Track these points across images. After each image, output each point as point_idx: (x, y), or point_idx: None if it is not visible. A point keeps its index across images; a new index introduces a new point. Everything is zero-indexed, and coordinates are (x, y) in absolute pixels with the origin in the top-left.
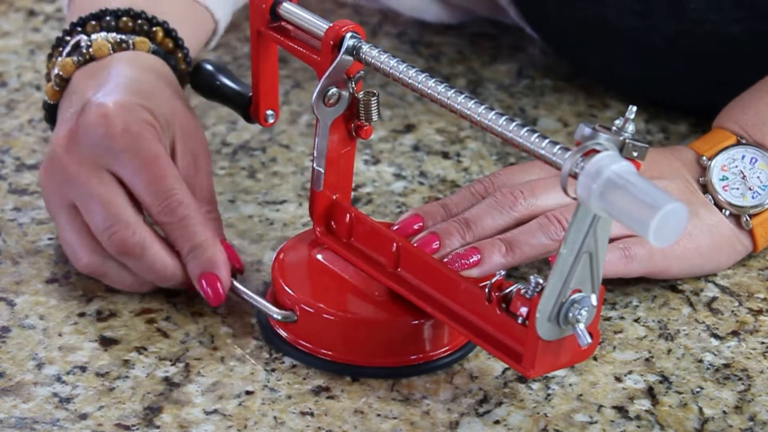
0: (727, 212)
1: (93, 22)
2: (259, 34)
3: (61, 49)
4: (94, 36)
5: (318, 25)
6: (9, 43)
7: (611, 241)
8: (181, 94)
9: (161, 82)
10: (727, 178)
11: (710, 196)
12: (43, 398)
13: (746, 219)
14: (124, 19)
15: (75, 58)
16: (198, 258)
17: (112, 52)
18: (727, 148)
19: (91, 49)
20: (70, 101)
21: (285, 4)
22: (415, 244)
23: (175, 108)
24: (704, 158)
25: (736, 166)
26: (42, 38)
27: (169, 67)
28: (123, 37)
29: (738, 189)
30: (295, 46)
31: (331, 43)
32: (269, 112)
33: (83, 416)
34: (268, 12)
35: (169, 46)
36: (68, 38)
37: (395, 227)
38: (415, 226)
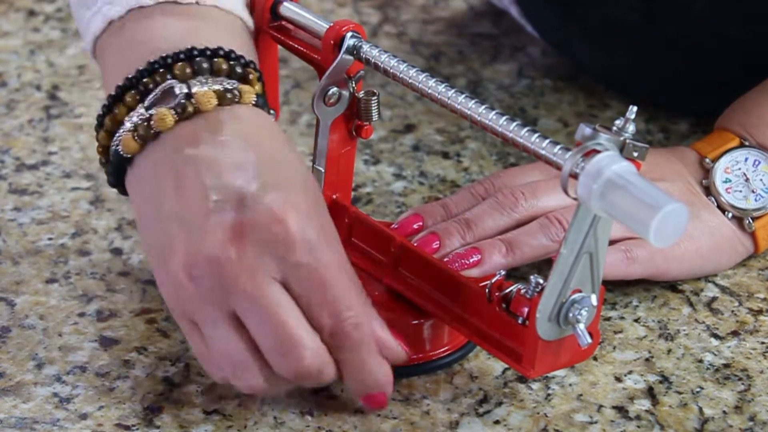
0: (730, 215)
1: (180, 63)
2: (259, 34)
3: (136, 93)
4: (194, 85)
5: (318, 24)
6: (9, 43)
7: (612, 242)
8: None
9: (293, 153)
10: (730, 181)
11: (713, 199)
12: (43, 398)
13: (749, 222)
14: (217, 60)
15: (173, 111)
16: (365, 385)
17: (217, 102)
18: (730, 150)
19: (193, 100)
20: (178, 170)
21: (285, 4)
22: (415, 244)
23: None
24: (707, 160)
25: (739, 169)
26: (42, 38)
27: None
28: (227, 86)
29: (741, 191)
30: (296, 46)
31: (332, 42)
32: (270, 111)
33: (83, 416)
34: (269, 11)
35: (259, 90)
36: (146, 80)
37: (395, 227)
38: (415, 226)
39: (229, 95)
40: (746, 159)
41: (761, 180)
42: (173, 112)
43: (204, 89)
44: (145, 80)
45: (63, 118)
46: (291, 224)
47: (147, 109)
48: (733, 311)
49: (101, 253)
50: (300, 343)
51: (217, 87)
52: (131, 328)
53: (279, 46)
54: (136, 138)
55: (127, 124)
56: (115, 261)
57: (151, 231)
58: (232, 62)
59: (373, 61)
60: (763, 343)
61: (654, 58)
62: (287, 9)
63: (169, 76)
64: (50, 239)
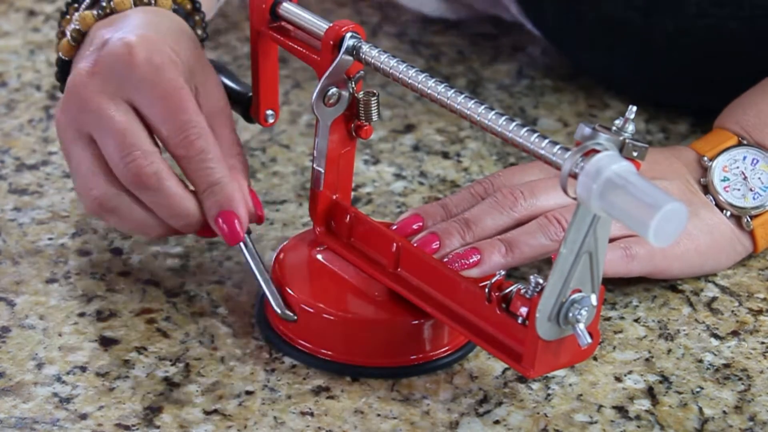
0: (728, 213)
1: None
2: (259, 34)
3: (76, 5)
4: None
5: (318, 25)
6: (9, 43)
7: (612, 241)
8: (202, 50)
9: (184, 34)
10: (728, 179)
11: (711, 197)
12: (43, 398)
13: (747, 220)
14: None
15: (95, 12)
16: (216, 195)
17: (133, 6)
18: (728, 148)
19: (112, 3)
20: (88, 49)
21: (285, 4)
22: (415, 244)
23: (199, 59)
24: (705, 159)
25: (738, 167)
26: (42, 38)
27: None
28: None
29: (739, 190)
30: (295, 46)
31: (331, 43)
32: (269, 112)
33: (83, 416)
34: (268, 12)
35: (187, 8)
36: None
37: (395, 227)
38: (415, 226)
39: (146, 1)
40: (744, 157)
41: (759, 178)
42: (94, 13)
43: None
44: None
45: None
46: (137, 50)
47: (79, 14)
48: (733, 311)
49: (101, 253)
50: (137, 147)
51: None
52: (131, 328)
53: (279, 47)
54: (71, 42)
55: (67, 32)
56: (115, 261)
57: None
58: None
59: (372, 61)
60: (763, 343)
61: (653, 55)
62: (287, 9)
63: None
64: (50, 239)
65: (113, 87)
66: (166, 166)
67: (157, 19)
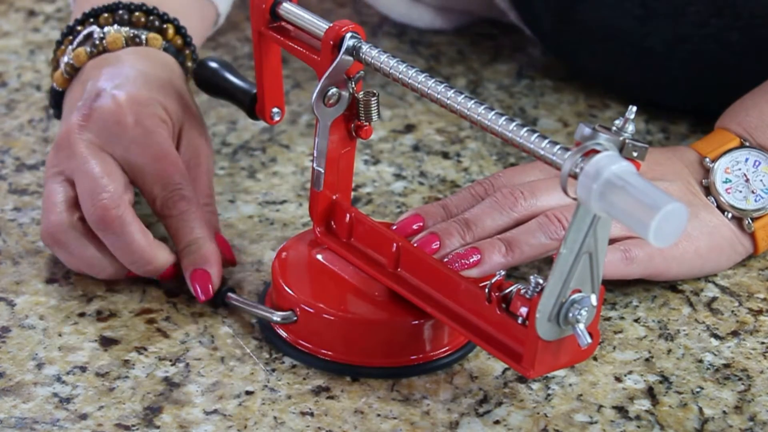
0: (730, 215)
1: (106, 15)
2: (260, 35)
3: (71, 38)
4: (107, 29)
5: (318, 25)
6: (9, 43)
7: (612, 241)
8: (189, 91)
9: (172, 78)
10: (730, 181)
11: (713, 199)
12: (43, 398)
13: (748, 222)
14: (137, 14)
15: (88, 49)
16: (192, 254)
17: (125, 45)
18: (730, 150)
19: (105, 41)
20: (81, 89)
21: (285, 4)
22: (415, 244)
23: (184, 104)
24: (707, 160)
25: (740, 169)
26: (42, 38)
27: (178, 64)
28: (136, 31)
29: (741, 192)
30: (295, 46)
31: (331, 43)
32: (275, 109)
33: (83, 416)
34: (268, 12)
35: (178, 43)
36: (79, 28)
37: (395, 227)
38: (415, 226)
39: (137, 39)
40: (746, 159)
41: (761, 181)
42: (87, 50)
43: (113, 33)
44: (78, 27)
45: None
46: (127, 111)
47: (73, 50)
48: (733, 311)
49: None
50: (109, 190)
51: (126, 31)
52: (131, 328)
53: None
54: (64, 74)
55: (61, 64)
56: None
57: None
58: (151, 17)
59: (372, 61)
60: (763, 343)
61: (652, 61)
62: (287, 10)
63: (94, 25)
64: None
65: (102, 141)
66: (132, 213)
67: (147, 66)
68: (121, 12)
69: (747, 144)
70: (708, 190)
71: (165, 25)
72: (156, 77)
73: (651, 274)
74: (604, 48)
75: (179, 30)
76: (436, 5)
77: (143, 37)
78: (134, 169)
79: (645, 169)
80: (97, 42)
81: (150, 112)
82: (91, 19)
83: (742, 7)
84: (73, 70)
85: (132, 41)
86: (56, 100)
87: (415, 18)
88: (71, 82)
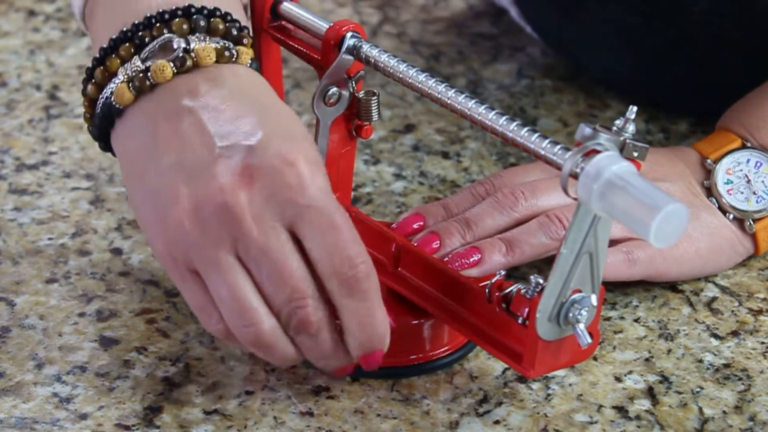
0: (731, 216)
1: (178, 19)
2: (260, 34)
3: (131, 45)
4: (193, 41)
5: (318, 24)
6: (9, 43)
7: (612, 243)
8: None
9: (289, 108)
10: (731, 182)
11: (714, 200)
12: (43, 398)
13: (750, 223)
14: (214, 20)
15: (171, 63)
16: (368, 335)
17: (215, 60)
18: (732, 151)
19: (192, 54)
20: (176, 117)
21: (285, 4)
22: (415, 244)
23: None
24: (709, 161)
25: (741, 170)
26: (42, 38)
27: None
28: (226, 43)
29: (742, 193)
30: (296, 46)
31: (332, 42)
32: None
33: (83, 416)
34: (269, 11)
35: (254, 55)
36: (142, 33)
37: (395, 227)
38: (415, 226)
39: (227, 53)
40: (748, 160)
41: (763, 182)
42: (172, 65)
43: (203, 45)
44: (141, 33)
45: (63, 118)
46: (302, 168)
47: (143, 61)
48: (733, 311)
49: (101, 253)
50: (304, 291)
51: (215, 44)
52: (131, 328)
53: None
54: (131, 89)
55: (121, 76)
56: (115, 261)
57: (145, 183)
58: (228, 24)
59: (373, 61)
60: (763, 343)
61: (655, 59)
62: (287, 9)
63: (166, 31)
64: (50, 239)
65: (277, 211)
66: (327, 313)
67: (269, 100)
68: (196, 17)
69: (749, 145)
70: (709, 191)
71: (241, 34)
72: (288, 117)
73: (652, 275)
74: (606, 45)
75: (249, 36)
76: None
77: (233, 51)
78: (309, 241)
79: (646, 170)
80: (181, 54)
81: (316, 163)
82: (158, 24)
83: (745, 3)
84: (148, 87)
85: (222, 56)
86: (107, 120)
87: None
88: (138, 99)
